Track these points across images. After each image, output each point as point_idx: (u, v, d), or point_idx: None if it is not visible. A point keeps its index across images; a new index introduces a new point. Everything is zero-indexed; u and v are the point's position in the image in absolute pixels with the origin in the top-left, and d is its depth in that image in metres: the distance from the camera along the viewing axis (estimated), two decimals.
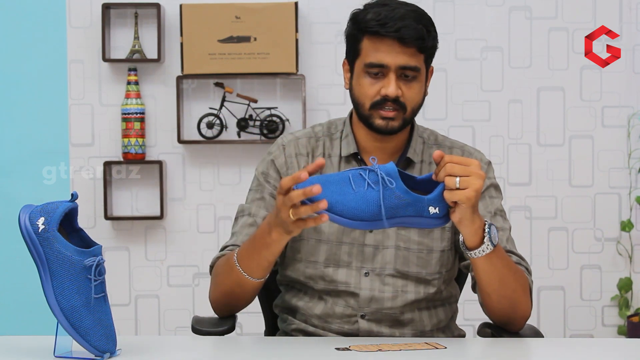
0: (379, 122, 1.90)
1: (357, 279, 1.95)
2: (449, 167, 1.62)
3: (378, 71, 1.88)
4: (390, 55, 1.87)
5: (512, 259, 1.90)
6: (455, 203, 1.64)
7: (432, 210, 1.62)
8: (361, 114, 1.93)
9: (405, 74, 1.88)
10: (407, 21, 1.86)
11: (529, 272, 1.93)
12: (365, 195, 1.59)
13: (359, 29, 1.91)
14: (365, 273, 1.95)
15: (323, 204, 1.57)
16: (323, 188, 1.59)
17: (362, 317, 1.95)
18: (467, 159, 1.64)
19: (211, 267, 2.00)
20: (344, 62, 2.00)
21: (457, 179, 1.61)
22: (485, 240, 1.70)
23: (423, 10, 1.92)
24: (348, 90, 1.97)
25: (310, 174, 1.62)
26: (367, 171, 1.61)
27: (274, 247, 1.76)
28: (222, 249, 2.01)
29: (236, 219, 2.03)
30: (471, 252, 1.72)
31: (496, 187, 2.01)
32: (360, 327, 1.95)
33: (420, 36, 1.87)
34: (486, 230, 1.70)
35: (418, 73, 1.90)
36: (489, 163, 2.03)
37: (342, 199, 1.59)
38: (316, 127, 2.06)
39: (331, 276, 1.95)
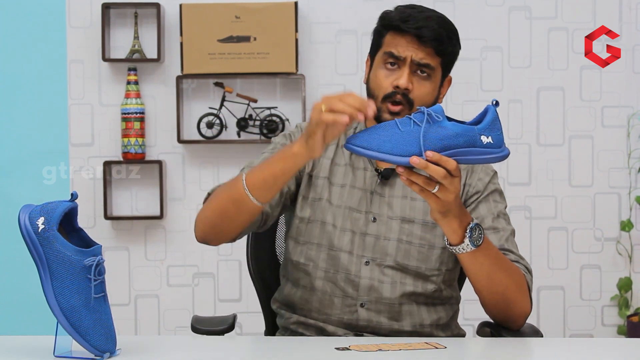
0: (386, 116, 1.94)
1: (357, 267, 1.97)
2: (437, 172, 1.63)
3: (394, 62, 1.95)
4: (407, 49, 1.95)
5: (510, 257, 1.92)
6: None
7: (484, 139, 1.64)
8: None
9: (420, 71, 1.95)
10: (429, 22, 1.94)
11: (529, 271, 1.94)
12: (411, 132, 1.63)
13: (383, 25, 2.00)
14: (366, 262, 1.97)
15: (372, 110, 1.63)
16: (372, 134, 1.64)
17: (362, 305, 1.96)
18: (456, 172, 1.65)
19: (206, 198, 1.98)
20: (367, 59, 2.06)
21: (437, 186, 1.64)
22: (465, 240, 1.74)
23: (449, 20, 2.00)
24: (365, 84, 2.03)
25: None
26: (414, 114, 1.65)
27: (290, 161, 1.75)
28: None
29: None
30: (452, 247, 1.77)
31: (500, 193, 2.05)
32: (360, 316, 1.96)
33: (439, 38, 1.95)
34: (468, 230, 1.73)
35: (432, 72, 1.96)
36: (495, 173, 2.06)
37: (389, 139, 1.63)
38: None
39: (334, 258, 1.97)
